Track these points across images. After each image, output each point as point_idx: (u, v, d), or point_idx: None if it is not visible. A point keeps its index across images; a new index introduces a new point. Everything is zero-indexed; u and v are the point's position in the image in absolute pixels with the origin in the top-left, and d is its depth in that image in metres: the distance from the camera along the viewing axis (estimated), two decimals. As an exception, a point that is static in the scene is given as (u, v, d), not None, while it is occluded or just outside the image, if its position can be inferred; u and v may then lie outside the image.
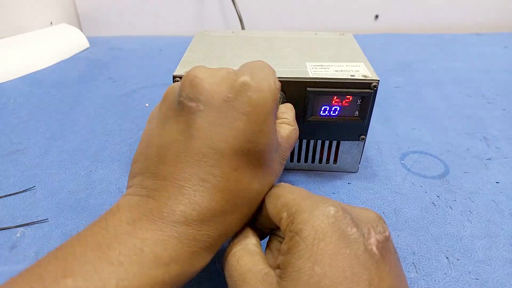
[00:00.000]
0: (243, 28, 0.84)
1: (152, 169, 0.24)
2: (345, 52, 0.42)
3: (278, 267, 0.22)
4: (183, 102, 0.23)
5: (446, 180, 0.42)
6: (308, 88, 0.36)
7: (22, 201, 0.39)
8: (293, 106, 0.36)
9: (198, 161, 0.23)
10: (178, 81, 0.35)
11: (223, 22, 0.94)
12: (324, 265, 0.20)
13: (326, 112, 0.38)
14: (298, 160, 0.42)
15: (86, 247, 0.20)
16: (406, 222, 0.36)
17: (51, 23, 0.85)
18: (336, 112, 0.37)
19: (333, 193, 0.40)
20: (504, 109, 0.57)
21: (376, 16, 0.95)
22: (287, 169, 0.43)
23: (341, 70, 0.37)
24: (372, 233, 0.22)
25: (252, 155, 0.23)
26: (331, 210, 0.21)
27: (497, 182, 0.41)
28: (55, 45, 0.77)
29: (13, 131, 0.51)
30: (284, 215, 0.23)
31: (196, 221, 0.22)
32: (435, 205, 0.38)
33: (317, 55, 0.41)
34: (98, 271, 0.19)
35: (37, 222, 0.36)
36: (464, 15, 0.95)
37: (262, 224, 0.26)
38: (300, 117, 0.37)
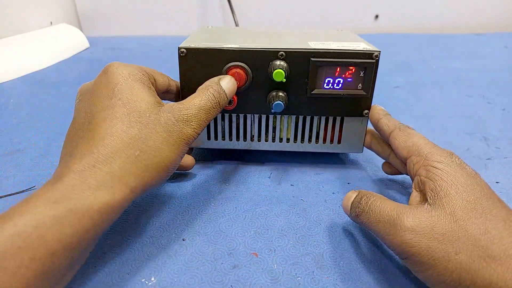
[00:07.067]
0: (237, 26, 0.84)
1: None
2: (344, 37, 0.43)
3: (418, 199, 0.30)
4: None
5: (446, 180, 0.42)
6: (312, 59, 0.36)
7: (22, 201, 0.39)
8: (297, 78, 0.37)
9: (80, 125, 0.29)
10: (183, 52, 0.37)
11: (223, 22, 0.94)
12: (464, 185, 0.27)
13: (330, 85, 0.37)
14: (302, 140, 0.42)
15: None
16: (406, 222, 0.36)
17: (51, 23, 0.85)
18: (340, 85, 0.37)
19: (333, 193, 0.40)
20: (504, 109, 0.57)
21: (376, 16, 0.95)
22: (290, 152, 0.43)
23: (343, 45, 0.38)
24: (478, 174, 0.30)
25: (120, 106, 0.29)
26: (455, 156, 0.30)
27: (497, 182, 0.41)
28: (55, 45, 0.77)
29: (13, 131, 0.51)
30: (415, 154, 0.32)
31: (80, 164, 0.26)
32: (435, 205, 0.38)
33: (318, 39, 0.42)
34: None
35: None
36: (464, 15, 0.95)
37: (392, 161, 0.38)
38: (304, 91, 0.38)
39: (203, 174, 0.42)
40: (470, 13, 0.95)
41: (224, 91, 0.34)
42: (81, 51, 0.80)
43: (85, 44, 0.82)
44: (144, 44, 0.85)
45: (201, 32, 0.44)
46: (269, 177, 0.42)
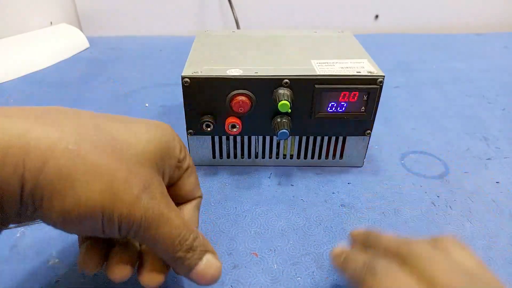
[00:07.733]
0: (238, 28, 0.84)
1: None
2: (347, 49, 0.43)
3: None
4: None
5: (446, 180, 0.42)
6: (316, 85, 0.36)
7: (22, 201, 0.38)
8: (301, 103, 0.37)
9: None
10: (186, 82, 0.36)
11: (223, 22, 0.94)
12: None
13: (333, 108, 0.38)
14: (305, 156, 0.43)
15: None
16: (406, 222, 0.36)
17: (51, 23, 0.85)
18: (343, 108, 0.38)
19: (333, 193, 0.40)
20: (504, 109, 0.57)
21: (376, 16, 0.95)
22: (295, 166, 0.43)
23: (347, 67, 0.38)
24: None
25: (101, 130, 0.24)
26: None
27: (497, 182, 0.41)
28: (55, 45, 0.77)
29: (13, 131, 0.51)
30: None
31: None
32: (435, 205, 0.38)
33: (320, 52, 0.42)
34: None
35: (37, 222, 0.36)
36: (464, 15, 0.95)
37: None
38: (308, 114, 0.38)
39: (202, 174, 0.42)
40: (470, 13, 0.95)
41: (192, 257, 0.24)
42: (81, 51, 0.80)
43: (85, 44, 0.82)
44: (144, 44, 0.85)
45: (200, 47, 0.44)
46: (269, 177, 0.42)
